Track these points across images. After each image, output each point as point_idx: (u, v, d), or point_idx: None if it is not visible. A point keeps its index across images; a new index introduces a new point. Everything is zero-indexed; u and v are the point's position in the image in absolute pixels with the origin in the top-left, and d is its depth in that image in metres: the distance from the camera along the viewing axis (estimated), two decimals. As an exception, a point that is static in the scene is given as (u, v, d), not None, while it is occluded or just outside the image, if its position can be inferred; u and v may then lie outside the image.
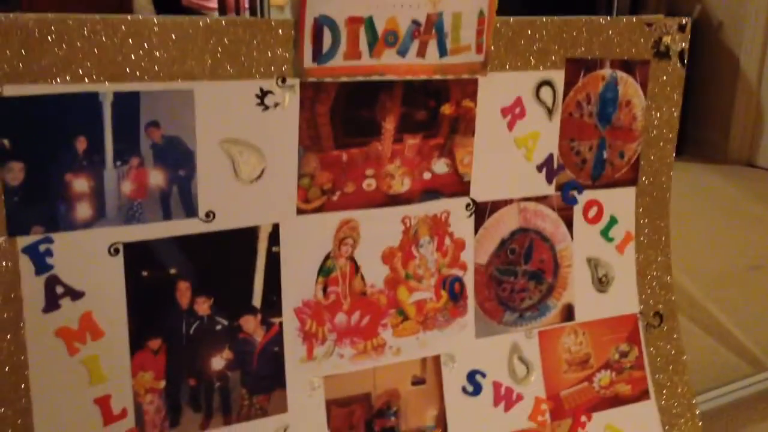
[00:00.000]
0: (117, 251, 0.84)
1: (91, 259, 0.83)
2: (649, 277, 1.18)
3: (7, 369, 0.81)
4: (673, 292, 1.20)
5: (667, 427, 1.17)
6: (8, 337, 0.80)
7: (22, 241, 0.79)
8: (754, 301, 2.00)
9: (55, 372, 0.83)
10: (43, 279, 0.81)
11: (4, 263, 0.79)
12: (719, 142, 3.44)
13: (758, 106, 3.34)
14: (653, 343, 1.18)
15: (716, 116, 3.43)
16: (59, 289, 0.82)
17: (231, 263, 0.91)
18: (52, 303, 0.82)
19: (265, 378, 0.95)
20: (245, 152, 0.87)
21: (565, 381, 1.13)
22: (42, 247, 0.80)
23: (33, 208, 0.79)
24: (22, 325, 0.80)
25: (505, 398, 1.09)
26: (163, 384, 0.90)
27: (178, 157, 0.84)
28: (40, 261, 0.80)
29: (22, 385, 0.82)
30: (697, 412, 1.18)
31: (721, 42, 3.33)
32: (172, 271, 0.88)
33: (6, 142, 0.77)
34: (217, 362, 0.92)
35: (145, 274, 0.86)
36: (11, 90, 0.76)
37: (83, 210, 0.81)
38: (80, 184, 0.80)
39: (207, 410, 0.92)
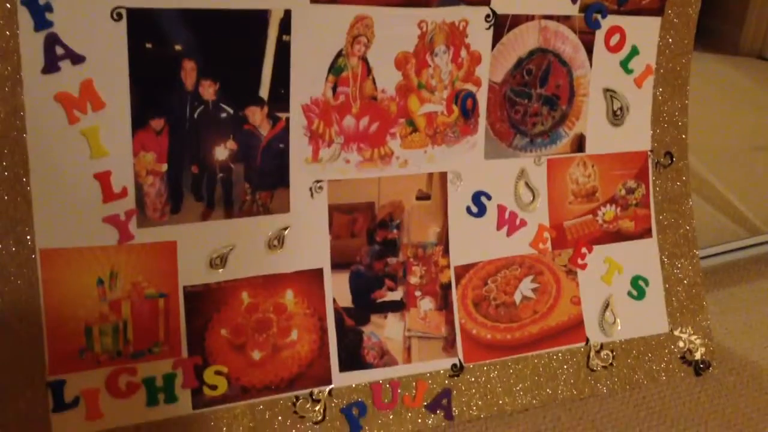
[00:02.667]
0: (120, 16, 0.79)
1: (92, 22, 0.78)
2: (664, 115, 1.15)
3: (4, 131, 0.77)
4: (686, 133, 1.17)
5: (666, 266, 1.16)
6: (6, 93, 0.76)
7: (21, -10, 0.75)
8: (755, 178, 1.99)
9: (54, 140, 0.81)
10: (43, 36, 0.77)
11: (0, 14, 0.74)
12: (732, 34, 3.35)
13: (775, -3, 3.23)
14: (661, 182, 1.16)
15: (731, 7, 3.32)
16: (59, 50, 0.78)
17: (239, 48, 0.87)
18: (51, 64, 0.78)
19: (269, 175, 0.93)
20: None
21: (570, 212, 1.12)
22: (42, 0, 0.75)
23: (33, -47, 0.74)
24: (20, 80, 0.76)
25: (509, 222, 1.08)
26: (164, 167, 0.87)
27: None
28: (40, 15, 0.76)
29: (21, 149, 0.79)
30: (696, 253, 1.18)
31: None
32: (178, 47, 0.84)
33: None
34: (221, 152, 0.90)
35: (149, 46, 0.82)
36: None
37: (86, -36, 0.76)
38: (83, -67, 0.75)
39: (209, 200, 0.90)
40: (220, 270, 0.92)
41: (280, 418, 0.96)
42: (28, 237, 0.81)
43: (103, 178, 0.84)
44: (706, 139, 2.16)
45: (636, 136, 1.14)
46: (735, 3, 3.29)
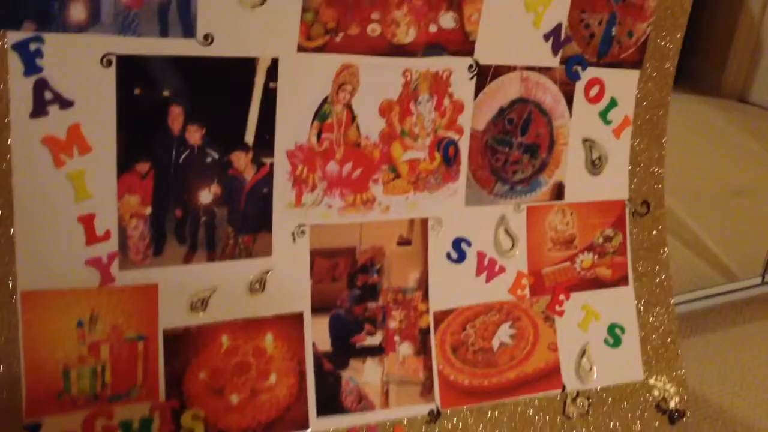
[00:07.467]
0: (110, 63, 0.81)
1: (82, 68, 0.80)
2: (641, 165, 1.17)
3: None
4: (663, 183, 1.20)
5: (642, 314, 1.18)
6: (-7, 138, 0.77)
7: (12, 36, 0.76)
8: (733, 223, 2.02)
9: (40, 183, 0.81)
10: (32, 81, 0.78)
11: (-9, 58, 0.75)
12: (714, 76, 3.40)
13: (757, 41, 3.29)
14: (638, 231, 1.18)
15: (714, 50, 3.38)
16: (48, 95, 0.79)
17: (226, 94, 0.89)
18: (39, 108, 0.79)
19: (252, 219, 0.94)
20: (249, -26, 0.84)
21: (548, 259, 1.13)
22: (32, 46, 0.77)
23: (26, 1, 0.75)
24: (7, 124, 0.77)
25: (488, 269, 1.09)
26: (148, 210, 0.88)
27: (179, -31, 0.80)
28: (30, 61, 0.77)
29: (5, 192, 0.79)
30: (672, 302, 1.20)
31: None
32: (166, 93, 0.85)
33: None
34: (205, 196, 0.91)
35: (137, 92, 0.83)
36: None
37: (77, 11, 0.77)
38: (76, -19, 0.76)
39: (191, 243, 0.91)
40: (201, 313, 0.92)
41: (256, 461, 0.96)
42: (10, 279, 0.81)
43: (87, 220, 0.84)
44: (685, 182, 2.19)
45: (614, 185, 1.16)
46: (717, 45, 3.34)
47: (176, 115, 0.86)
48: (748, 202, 2.17)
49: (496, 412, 1.08)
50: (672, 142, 1.19)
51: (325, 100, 0.94)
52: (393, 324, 1.04)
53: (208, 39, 0.84)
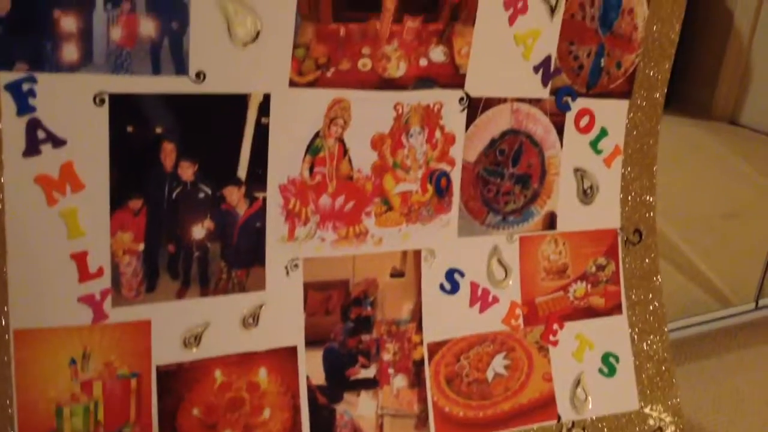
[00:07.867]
0: (102, 101, 0.81)
1: (75, 107, 0.80)
2: (632, 194, 1.18)
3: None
4: (654, 211, 1.20)
5: (636, 343, 1.18)
6: (-15, 177, 0.78)
7: (5, 77, 0.76)
8: (725, 246, 2.03)
9: (33, 221, 0.81)
10: (25, 120, 0.78)
11: (-16, 99, 0.76)
12: (705, 99, 3.43)
13: (747, 64, 3.32)
14: (630, 259, 1.18)
15: (704, 72, 3.40)
16: (41, 134, 0.79)
17: (218, 130, 0.89)
18: (32, 147, 0.79)
19: (245, 253, 0.94)
20: (241, 12, 0.84)
21: (541, 288, 1.13)
22: (25, 86, 0.77)
23: (18, 42, 0.75)
24: (0, 163, 0.77)
25: (481, 299, 1.09)
26: (141, 247, 0.88)
27: (170, 8, 0.81)
28: (23, 101, 0.77)
29: (-2, 231, 0.80)
30: (666, 330, 1.20)
31: (717, -4, 3.30)
32: (158, 130, 0.85)
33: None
34: (198, 231, 0.91)
35: (130, 129, 0.84)
36: None
37: (70, 52, 0.78)
38: (68, 22, 0.76)
39: (184, 279, 0.91)
40: (194, 349, 0.92)
41: (250, 497, 0.95)
42: (2, 317, 0.81)
43: (80, 258, 0.84)
44: (677, 205, 2.20)
45: (605, 214, 1.17)
46: (707, 67, 3.37)
47: (169, 152, 0.86)
48: (740, 225, 2.18)
49: (492, 444, 1.08)
50: (663, 165, 1.19)
51: (317, 135, 0.94)
52: (387, 356, 1.04)
53: (200, 76, 0.85)
